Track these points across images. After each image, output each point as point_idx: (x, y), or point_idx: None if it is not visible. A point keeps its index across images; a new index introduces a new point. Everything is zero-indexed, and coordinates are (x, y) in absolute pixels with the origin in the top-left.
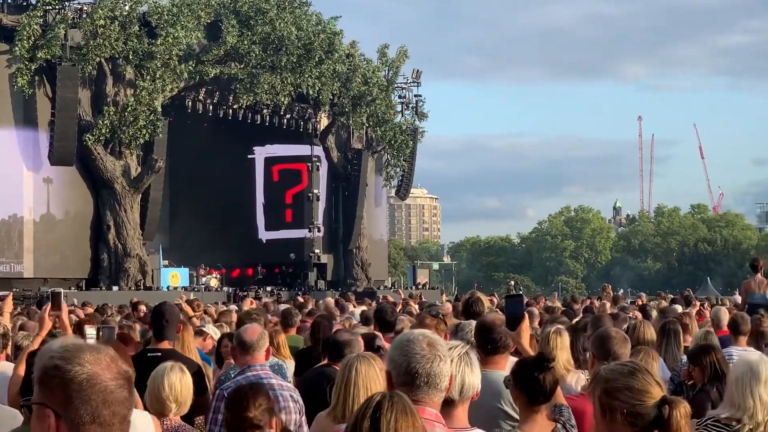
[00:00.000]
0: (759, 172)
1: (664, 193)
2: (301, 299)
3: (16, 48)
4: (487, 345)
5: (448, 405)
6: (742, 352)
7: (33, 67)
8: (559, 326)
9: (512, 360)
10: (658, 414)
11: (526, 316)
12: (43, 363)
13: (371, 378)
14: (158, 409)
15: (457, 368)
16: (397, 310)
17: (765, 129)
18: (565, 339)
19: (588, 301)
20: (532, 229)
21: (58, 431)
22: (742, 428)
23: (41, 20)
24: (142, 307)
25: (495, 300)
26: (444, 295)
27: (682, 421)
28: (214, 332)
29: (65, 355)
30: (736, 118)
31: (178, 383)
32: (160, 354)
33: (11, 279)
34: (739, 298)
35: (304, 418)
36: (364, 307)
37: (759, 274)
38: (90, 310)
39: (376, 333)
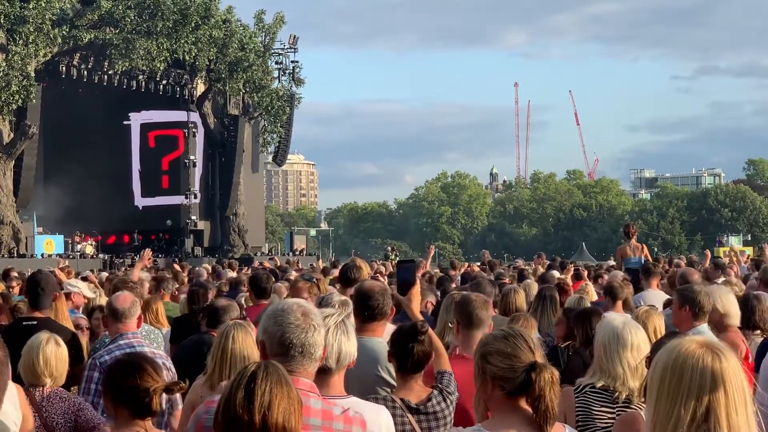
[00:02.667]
0: (632, 138)
1: (540, 159)
2: (177, 267)
3: None
4: (365, 312)
5: (324, 374)
6: (608, 316)
7: None
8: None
9: (391, 328)
10: (525, 378)
11: (417, 282)
12: None
13: (248, 345)
14: (32, 381)
15: (334, 337)
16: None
17: (637, 96)
18: None
19: (466, 267)
20: (409, 195)
21: None
22: (620, 396)
23: None
24: (14, 274)
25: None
26: (320, 261)
27: (546, 387)
28: (83, 288)
29: None
30: (609, 85)
31: (53, 357)
32: (35, 323)
33: None
34: (612, 263)
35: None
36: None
37: (633, 240)
38: None
39: None
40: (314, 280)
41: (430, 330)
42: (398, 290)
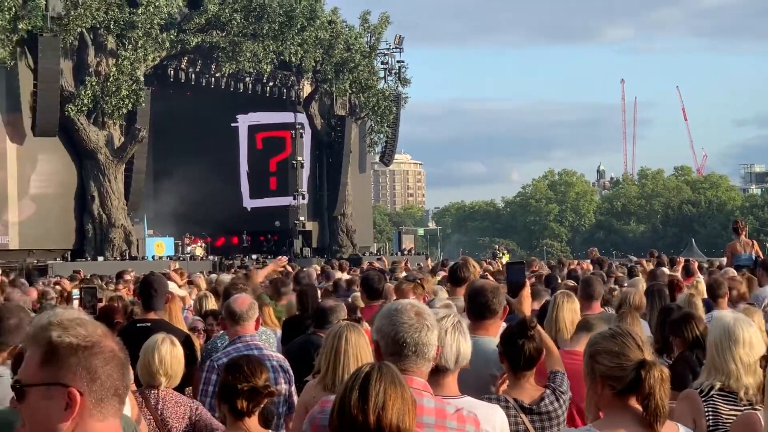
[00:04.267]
0: (740, 133)
1: (647, 156)
2: (289, 268)
3: None
4: (476, 311)
5: (440, 374)
6: (718, 314)
7: (14, 39)
8: (567, 290)
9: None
10: (635, 377)
11: (527, 283)
12: (51, 338)
13: (361, 346)
14: (149, 381)
15: (453, 337)
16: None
17: (745, 90)
18: (574, 302)
19: (574, 264)
20: (517, 194)
21: (81, 410)
22: (739, 393)
23: None
24: (128, 276)
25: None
26: (429, 260)
27: (656, 385)
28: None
29: (78, 332)
30: (717, 80)
31: (169, 356)
32: (149, 324)
33: None
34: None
35: (293, 387)
36: (347, 275)
37: (743, 236)
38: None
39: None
40: (417, 280)
41: (540, 328)
42: (508, 292)
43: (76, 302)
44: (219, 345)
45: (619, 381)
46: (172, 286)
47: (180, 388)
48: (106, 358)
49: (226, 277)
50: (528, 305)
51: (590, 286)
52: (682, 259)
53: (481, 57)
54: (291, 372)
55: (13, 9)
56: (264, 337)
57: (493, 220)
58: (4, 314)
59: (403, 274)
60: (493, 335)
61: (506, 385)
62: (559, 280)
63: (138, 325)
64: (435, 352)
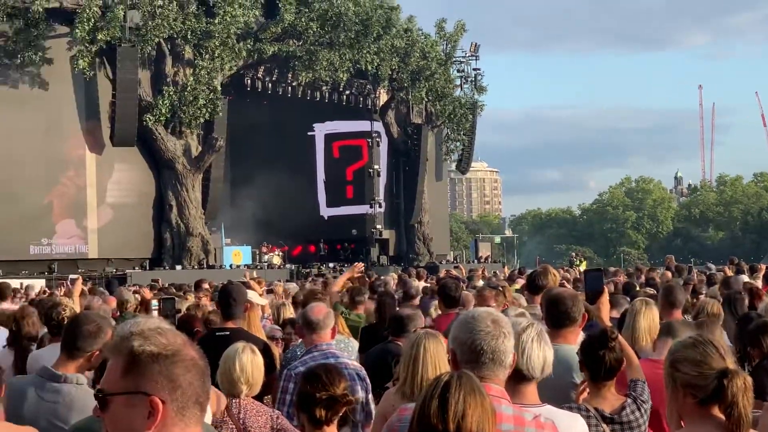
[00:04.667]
0: None
1: (726, 162)
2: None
3: (77, 30)
4: (555, 319)
5: (520, 382)
6: None
7: (93, 49)
8: (646, 298)
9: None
10: (717, 385)
11: (606, 290)
12: (133, 348)
13: (439, 355)
14: (229, 390)
15: (539, 346)
16: (461, 286)
17: None
18: (653, 309)
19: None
20: (593, 201)
21: (163, 418)
22: None
23: (101, 2)
24: (206, 285)
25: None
26: (506, 267)
27: (739, 393)
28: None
29: (159, 341)
30: None
31: (249, 365)
32: (228, 333)
33: (76, 260)
34: None
35: (371, 395)
36: (424, 283)
37: None
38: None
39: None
40: (500, 288)
41: (620, 337)
42: (587, 299)
43: (155, 312)
44: (298, 353)
45: (702, 390)
46: (252, 295)
47: (259, 397)
48: (187, 367)
49: (291, 285)
50: (606, 313)
51: (672, 294)
52: (763, 267)
53: (557, 64)
54: (368, 380)
55: (92, 20)
56: (341, 345)
57: (569, 227)
58: (81, 321)
59: (480, 282)
60: (572, 343)
61: (586, 394)
62: (637, 288)
63: (217, 333)
64: (512, 359)
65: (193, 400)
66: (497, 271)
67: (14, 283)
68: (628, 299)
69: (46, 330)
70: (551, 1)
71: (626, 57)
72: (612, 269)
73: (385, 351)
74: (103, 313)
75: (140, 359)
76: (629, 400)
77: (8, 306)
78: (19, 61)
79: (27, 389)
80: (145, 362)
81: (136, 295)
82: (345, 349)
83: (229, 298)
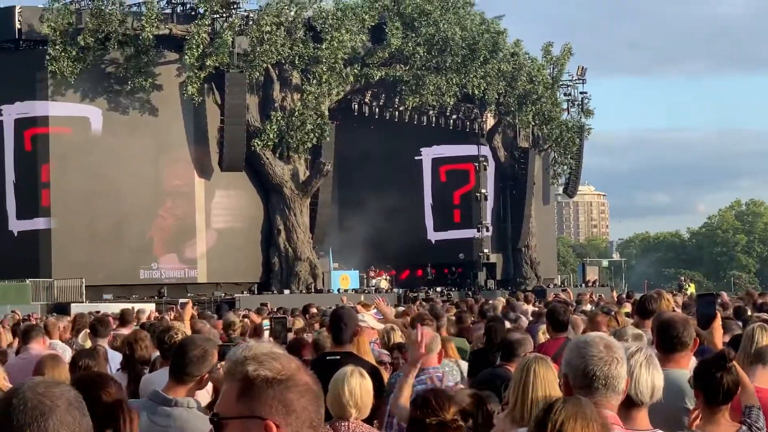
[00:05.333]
0: None
1: None
2: (471, 300)
3: (186, 57)
4: (666, 343)
5: (631, 408)
6: None
7: (202, 75)
8: (763, 322)
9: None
10: None
11: (719, 315)
12: (248, 373)
13: (548, 379)
14: (339, 413)
15: (648, 371)
16: (570, 310)
17: None
18: None
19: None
20: (702, 224)
21: None
22: None
23: (209, 29)
24: (313, 310)
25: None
26: (614, 292)
27: None
28: (369, 320)
29: (273, 365)
30: None
31: (359, 388)
32: (338, 357)
33: (186, 284)
34: None
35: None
36: (532, 307)
37: None
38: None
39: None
40: (612, 312)
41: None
42: (699, 324)
43: (266, 333)
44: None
45: None
46: (368, 319)
47: (368, 421)
48: (301, 391)
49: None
50: (719, 337)
51: None
52: None
53: (664, 87)
54: None
55: (201, 46)
56: (447, 369)
57: (678, 251)
58: (187, 346)
59: (589, 306)
60: (683, 368)
61: (700, 420)
62: (749, 312)
63: (328, 357)
64: (624, 384)
65: (307, 425)
66: (602, 295)
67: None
68: (740, 324)
69: (158, 353)
70: (659, 23)
71: (737, 79)
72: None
73: (495, 375)
74: (212, 337)
75: (255, 384)
76: (744, 427)
77: (125, 331)
78: (129, 87)
79: (139, 413)
80: (260, 387)
81: (246, 320)
82: (451, 373)
83: (340, 323)
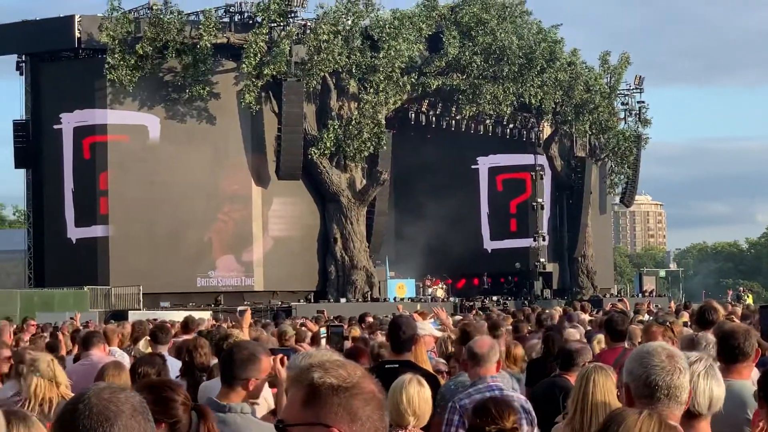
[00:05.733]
0: None
1: None
2: (528, 310)
3: (244, 65)
4: (728, 354)
5: (693, 419)
6: None
7: (259, 84)
8: None
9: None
10: None
11: None
12: (314, 380)
13: (608, 389)
14: (397, 421)
15: (706, 382)
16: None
17: None
18: None
19: None
20: (761, 234)
21: None
22: None
23: (267, 37)
24: (369, 319)
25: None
26: (672, 302)
27: None
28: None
29: (339, 373)
30: None
31: (417, 396)
32: (397, 366)
33: (242, 292)
34: None
35: (536, 428)
36: (588, 317)
37: None
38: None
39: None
40: (668, 323)
41: None
42: (762, 335)
43: (323, 341)
44: (451, 386)
45: None
46: (426, 326)
47: (425, 429)
48: (366, 399)
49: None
50: None
51: None
52: None
53: (722, 96)
54: (533, 413)
55: (258, 55)
56: (508, 379)
57: (736, 261)
58: (234, 350)
59: (646, 316)
60: (745, 378)
61: (763, 431)
62: None
63: (386, 366)
64: (687, 395)
65: None
66: (659, 305)
67: (181, 315)
68: None
69: (216, 361)
70: (717, 33)
71: None
72: None
73: (553, 385)
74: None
75: (320, 391)
76: None
77: (186, 338)
78: (187, 95)
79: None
80: (326, 394)
81: (303, 328)
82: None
83: (399, 331)
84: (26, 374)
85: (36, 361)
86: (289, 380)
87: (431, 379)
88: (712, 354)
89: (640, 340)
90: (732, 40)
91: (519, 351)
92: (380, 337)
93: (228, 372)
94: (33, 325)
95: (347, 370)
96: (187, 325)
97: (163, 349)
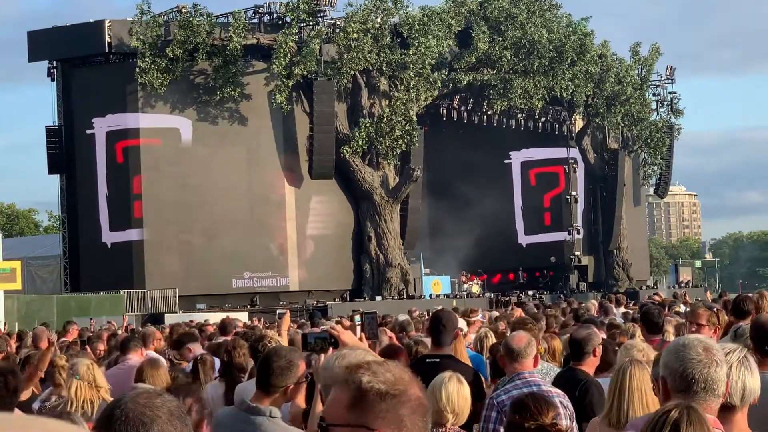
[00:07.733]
0: None
1: None
2: (564, 303)
3: (274, 65)
4: (764, 345)
5: (727, 411)
6: None
7: (290, 84)
8: None
9: None
10: None
11: None
12: (362, 383)
13: (645, 383)
14: (436, 419)
15: (738, 373)
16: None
17: None
18: None
19: None
20: None
21: None
22: None
23: (296, 37)
24: (416, 312)
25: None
26: (708, 292)
27: None
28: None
29: (387, 377)
30: None
31: (456, 394)
32: (438, 360)
33: (278, 292)
34: None
35: (575, 423)
36: (624, 309)
37: None
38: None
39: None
40: (715, 309)
41: None
42: None
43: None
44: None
45: None
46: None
47: (467, 426)
48: (413, 407)
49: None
50: None
51: None
52: None
53: (756, 85)
54: (571, 407)
55: (289, 55)
56: (550, 374)
57: None
58: (271, 358)
59: (682, 307)
60: None
61: None
62: None
63: (427, 360)
64: (725, 387)
65: None
66: (698, 297)
67: (218, 316)
68: None
69: (253, 362)
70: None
71: None
72: None
73: (569, 379)
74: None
75: (368, 396)
76: None
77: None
78: (218, 97)
79: (228, 421)
80: (373, 399)
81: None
82: (547, 375)
83: (439, 325)
84: (66, 378)
85: (75, 364)
86: (335, 380)
87: (472, 374)
88: (749, 345)
89: (683, 322)
90: (765, 29)
91: (557, 344)
92: (414, 334)
93: (264, 378)
94: (76, 329)
95: (395, 374)
96: (225, 328)
97: (199, 349)
